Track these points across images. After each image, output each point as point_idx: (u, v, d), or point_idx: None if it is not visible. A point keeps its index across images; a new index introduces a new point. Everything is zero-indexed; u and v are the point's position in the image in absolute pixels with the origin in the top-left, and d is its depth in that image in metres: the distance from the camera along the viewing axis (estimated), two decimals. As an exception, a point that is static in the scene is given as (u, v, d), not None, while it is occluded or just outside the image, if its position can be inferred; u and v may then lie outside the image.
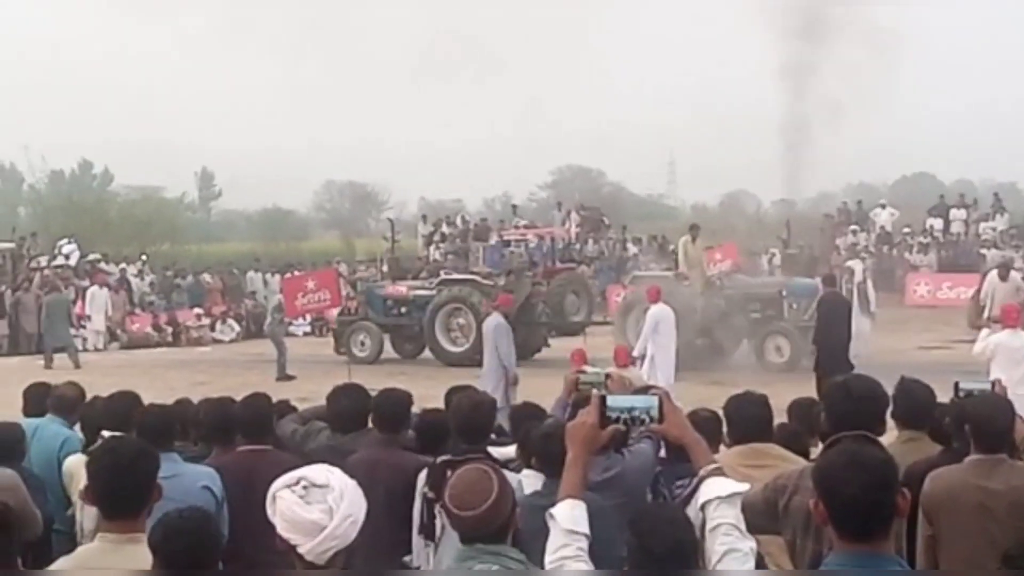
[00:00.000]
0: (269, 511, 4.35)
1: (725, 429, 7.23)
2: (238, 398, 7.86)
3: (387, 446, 7.26)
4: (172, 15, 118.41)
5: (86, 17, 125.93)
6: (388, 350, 29.26)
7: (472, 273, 29.34)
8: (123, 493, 4.84)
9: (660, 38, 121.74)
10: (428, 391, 9.96)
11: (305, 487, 4.32)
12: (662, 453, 6.68)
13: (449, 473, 6.58)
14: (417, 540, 6.75)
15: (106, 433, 7.33)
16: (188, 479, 6.60)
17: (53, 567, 5.05)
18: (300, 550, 4.28)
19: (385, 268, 35.59)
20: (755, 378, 17.23)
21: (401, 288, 29.86)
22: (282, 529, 4.30)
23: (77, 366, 27.70)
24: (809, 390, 10.92)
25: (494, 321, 19.28)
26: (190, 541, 4.31)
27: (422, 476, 6.89)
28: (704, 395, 13.45)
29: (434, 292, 28.48)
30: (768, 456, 6.73)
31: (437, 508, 6.51)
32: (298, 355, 27.90)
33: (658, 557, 4.06)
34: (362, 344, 28.79)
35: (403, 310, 29.14)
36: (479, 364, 20.02)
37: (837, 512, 3.93)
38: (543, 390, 11.18)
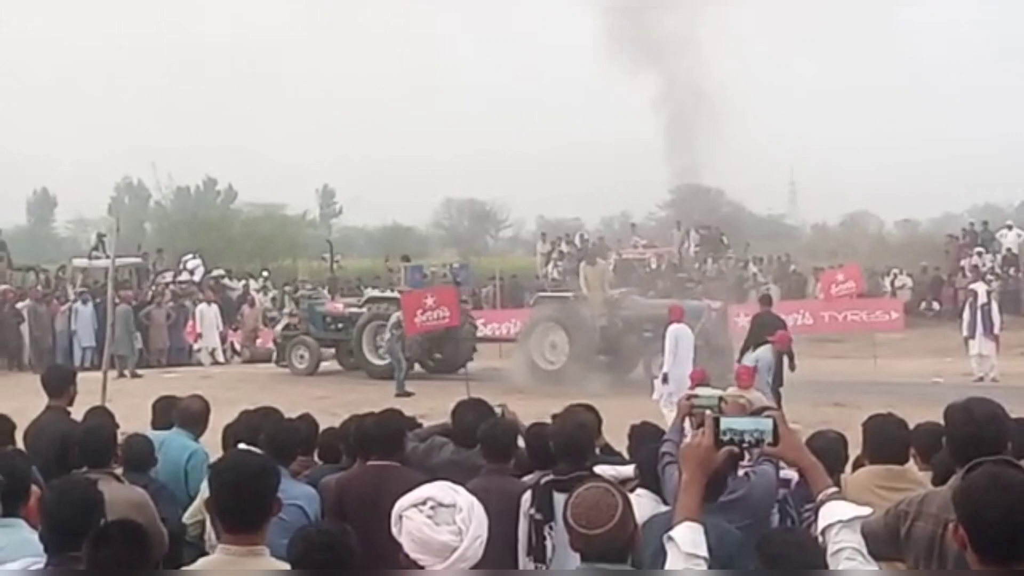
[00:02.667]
0: (395, 530, 4.37)
1: (861, 448, 7.15)
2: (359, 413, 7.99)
3: (499, 474, 7.23)
4: (293, 43, 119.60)
5: (210, 38, 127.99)
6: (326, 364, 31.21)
7: (398, 291, 30.88)
8: (244, 506, 4.86)
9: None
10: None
11: (433, 507, 4.32)
12: (784, 474, 6.65)
13: (556, 494, 6.63)
14: (525, 561, 6.73)
15: (242, 446, 7.46)
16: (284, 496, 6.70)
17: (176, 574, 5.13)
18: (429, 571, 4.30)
19: (326, 289, 37.36)
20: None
21: (338, 306, 31.91)
22: (410, 549, 4.31)
23: (133, 376, 29.09)
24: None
25: (675, 329, 20.72)
26: (329, 556, 4.35)
27: (527, 497, 6.88)
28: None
29: (364, 310, 30.30)
30: (904, 479, 6.64)
31: (546, 529, 6.52)
32: (417, 371, 28.42)
33: None
34: (301, 357, 30.87)
35: (340, 326, 30.92)
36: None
37: (979, 536, 3.83)
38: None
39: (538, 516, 6.63)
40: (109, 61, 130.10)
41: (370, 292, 32.54)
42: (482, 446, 7.43)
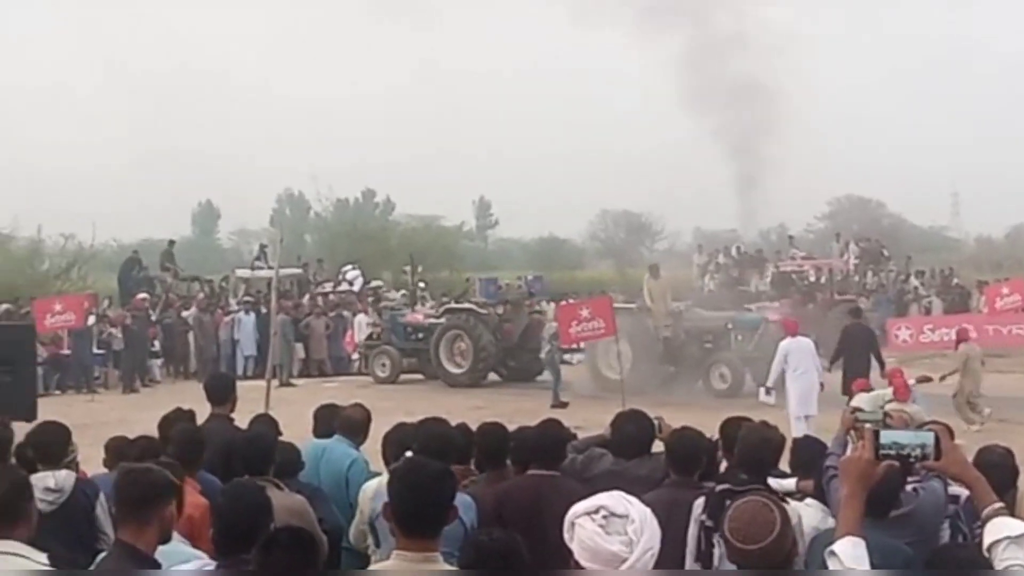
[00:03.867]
0: (566, 536, 4.38)
1: None
2: (510, 424, 8.03)
3: (683, 487, 7.15)
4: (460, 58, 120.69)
5: (371, 52, 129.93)
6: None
7: (472, 303, 32.78)
8: (422, 513, 4.91)
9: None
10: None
11: (605, 516, 4.32)
12: (952, 490, 6.53)
13: (728, 503, 6.58)
14: (692, 566, 6.70)
15: (408, 453, 7.51)
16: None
17: None
18: None
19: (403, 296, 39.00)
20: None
21: (418, 316, 33.33)
22: (580, 557, 4.32)
23: (283, 384, 29.62)
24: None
25: (786, 344, 20.70)
26: (500, 564, 4.38)
27: (699, 503, 6.86)
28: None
29: (442, 320, 31.40)
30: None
31: (716, 537, 6.48)
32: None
33: None
34: (383, 366, 32.25)
35: (420, 335, 32.18)
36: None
37: None
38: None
39: (709, 523, 6.61)
40: (272, 76, 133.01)
41: (451, 303, 33.57)
42: (668, 457, 7.39)
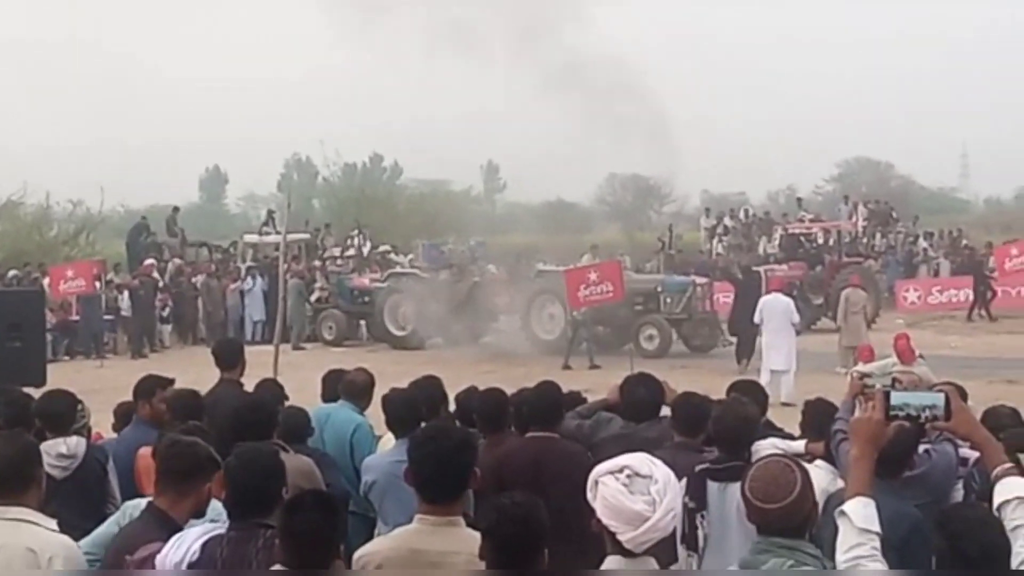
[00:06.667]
0: (589, 495, 4.44)
1: None
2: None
3: (686, 449, 7.07)
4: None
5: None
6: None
7: (415, 267, 33.75)
8: (444, 478, 4.98)
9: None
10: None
11: (629, 476, 4.37)
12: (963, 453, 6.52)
13: (709, 482, 6.58)
14: (680, 549, 6.68)
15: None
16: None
17: (370, 545, 5.23)
18: (620, 537, 4.35)
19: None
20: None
21: (364, 280, 33.87)
22: (602, 515, 4.38)
23: (296, 348, 30.15)
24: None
25: (764, 299, 22.05)
26: (521, 528, 4.40)
27: (681, 485, 6.81)
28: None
29: (386, 284, 32.19)
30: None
31: (698, 518, 6.48)
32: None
33: (971, 560, 3.89)
34: (330, 328, 33.06)
35: (366, 299, 32.73)
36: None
37: None
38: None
39: (691, 504, 6.57)
40: (279, 38, 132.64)
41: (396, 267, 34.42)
42: (674, 419, 7.35)
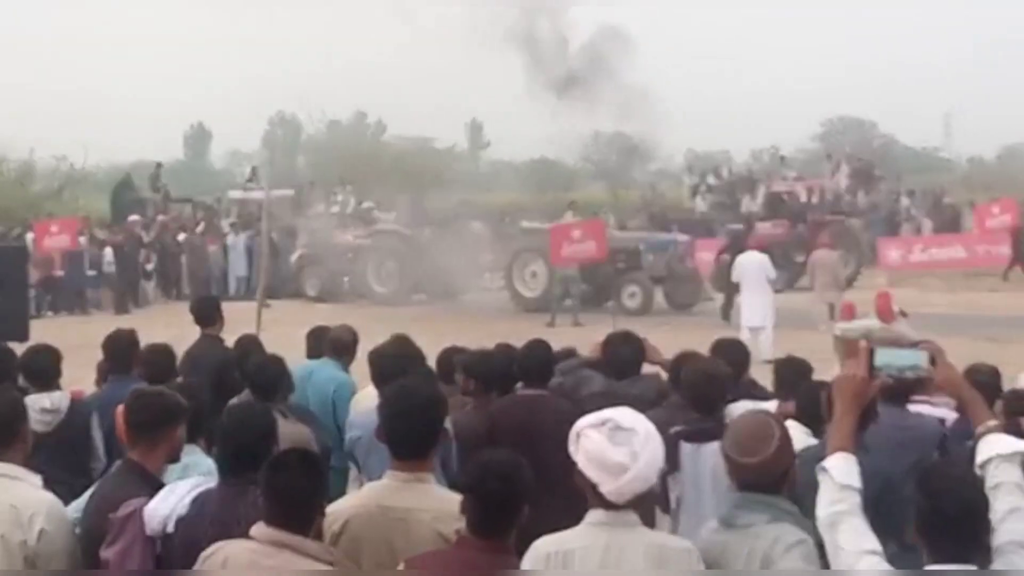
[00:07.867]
0: (571, 448, 4.47)
1: None
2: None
3: (681, 410, 6.94)
4: None
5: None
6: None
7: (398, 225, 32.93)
8: (414, 436, 5.01)
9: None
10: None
11: (612, 428, 4.40)
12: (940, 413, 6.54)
13: (683, 443, 6.58)
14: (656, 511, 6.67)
15: None
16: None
17: (340, 501, 5.23)
18: (602, 489, 4.39)
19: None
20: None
21: (348, 237, 33.35)
22: (584, 467, 4.41)
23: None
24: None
25: (740, 257, 22.24)
26: (503, 485, 4.41)
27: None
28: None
29: (370, 241, 32.07)
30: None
31: (669, 480, 6.46)
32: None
33: (950, 517, 3.89)
34: (313, 285, 32.91)
35: (349, 256, 32.46)
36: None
37: None
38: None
39: (664, 467, 6.56)
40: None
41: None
42: (688, 394, 6.98)
